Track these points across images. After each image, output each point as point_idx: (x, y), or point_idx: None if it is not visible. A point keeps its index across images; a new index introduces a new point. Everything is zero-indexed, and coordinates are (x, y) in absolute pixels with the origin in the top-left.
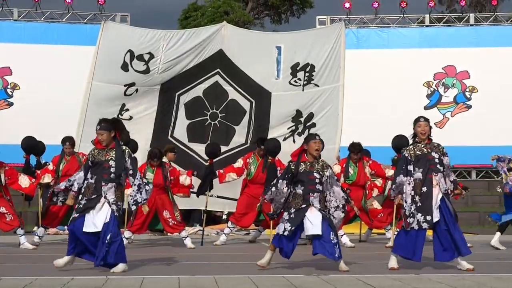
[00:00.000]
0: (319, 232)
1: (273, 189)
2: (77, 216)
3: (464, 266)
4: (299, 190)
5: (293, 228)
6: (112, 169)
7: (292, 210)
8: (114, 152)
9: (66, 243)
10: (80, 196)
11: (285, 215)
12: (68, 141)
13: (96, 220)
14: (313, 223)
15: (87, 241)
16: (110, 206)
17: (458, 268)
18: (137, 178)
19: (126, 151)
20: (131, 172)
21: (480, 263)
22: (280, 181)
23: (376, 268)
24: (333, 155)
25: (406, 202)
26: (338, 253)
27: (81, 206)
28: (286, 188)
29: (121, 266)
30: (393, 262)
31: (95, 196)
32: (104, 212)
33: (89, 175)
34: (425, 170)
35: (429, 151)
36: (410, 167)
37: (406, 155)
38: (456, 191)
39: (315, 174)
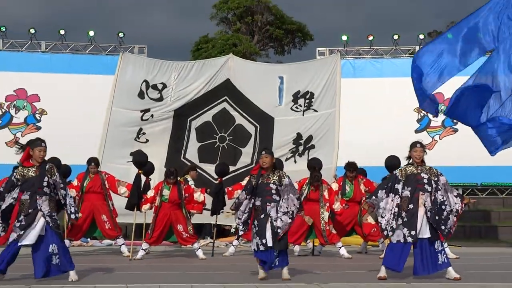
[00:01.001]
0: (271, 245)
1: (236, 200)
2: (22, 233)
3: (451, 275)
4: (258, 202)
5: (264, 241)
6: (45, 183)
7: (256, 223)
8: (43, 169)
9: (90, 254)
10: (18, 214)
11: (253, 229)
12: (93, 161)
13: (32, 233)
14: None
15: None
16: (45, 218)
17: (446, 278)
18: (67, 192)
19: (53, 167)
20: (61, 185)
21: (467, 273)
22: (242, 192)
23: (371, 277)
24: (331, 174)
25: (383, 217)
26: (280, 261)
27: (23, 223)
28: (246, 197)
29: (72, 273)
30: (382, 272)
31: (32, 210)
32: (39, 225)
33: (17, 192)
34: (413, 189)
35: (419, 172)
36: (398, 186)
37: (397, 174)
38: (465, 201)
39: (271, 185)
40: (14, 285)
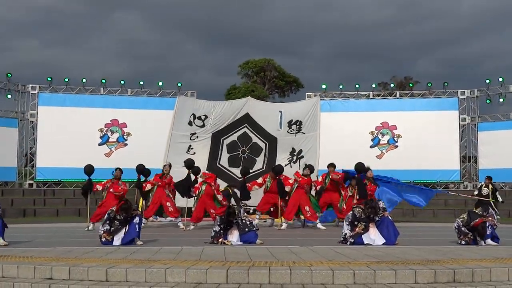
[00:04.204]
0: None
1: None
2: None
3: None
4: None
5: None
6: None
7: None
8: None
9: (159, 227)
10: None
11: None
12: (168, 165)
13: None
14: None
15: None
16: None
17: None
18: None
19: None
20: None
21: (403, 240)
22: None
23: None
24: (314, 174)
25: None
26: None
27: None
28: None
29: (138, 241)
30: None
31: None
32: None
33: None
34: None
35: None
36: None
37: (356, 213)
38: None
39: None
40: (108, 246)
